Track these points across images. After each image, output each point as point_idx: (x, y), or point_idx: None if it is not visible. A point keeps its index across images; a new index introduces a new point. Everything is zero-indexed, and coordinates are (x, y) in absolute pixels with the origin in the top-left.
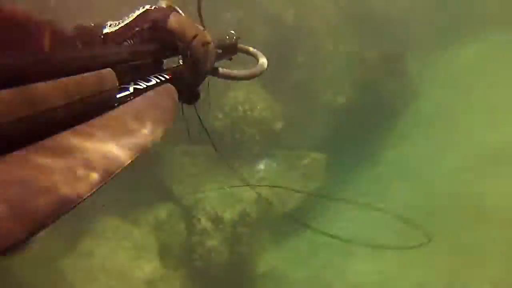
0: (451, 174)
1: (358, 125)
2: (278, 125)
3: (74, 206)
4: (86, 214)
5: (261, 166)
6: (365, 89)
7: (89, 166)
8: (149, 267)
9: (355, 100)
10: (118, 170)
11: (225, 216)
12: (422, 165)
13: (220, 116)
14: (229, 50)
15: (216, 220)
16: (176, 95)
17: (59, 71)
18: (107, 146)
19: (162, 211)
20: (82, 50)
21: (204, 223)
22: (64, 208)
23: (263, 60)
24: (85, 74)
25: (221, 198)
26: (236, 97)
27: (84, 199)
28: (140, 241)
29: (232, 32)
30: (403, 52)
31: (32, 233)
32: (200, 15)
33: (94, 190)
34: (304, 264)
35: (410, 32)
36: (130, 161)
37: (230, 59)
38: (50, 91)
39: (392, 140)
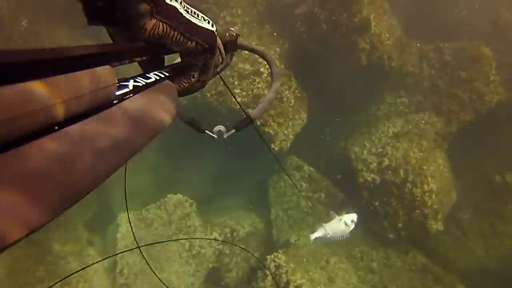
0: None
1: None
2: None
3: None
4: None
5: None
6: None
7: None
8: None
9: None
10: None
11: None
12: None
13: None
14: (230, 48)
15: None
16: (176, 92)
17: (57, 68)
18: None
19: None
20: (82, 47)
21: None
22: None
23: (277, 85)
24: (84, 71)
25: None
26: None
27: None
28: None
29: (232, 29)
30: None
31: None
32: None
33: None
34: None
35: None
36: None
37: (232, 57)
38: (48, 88)
39: None
